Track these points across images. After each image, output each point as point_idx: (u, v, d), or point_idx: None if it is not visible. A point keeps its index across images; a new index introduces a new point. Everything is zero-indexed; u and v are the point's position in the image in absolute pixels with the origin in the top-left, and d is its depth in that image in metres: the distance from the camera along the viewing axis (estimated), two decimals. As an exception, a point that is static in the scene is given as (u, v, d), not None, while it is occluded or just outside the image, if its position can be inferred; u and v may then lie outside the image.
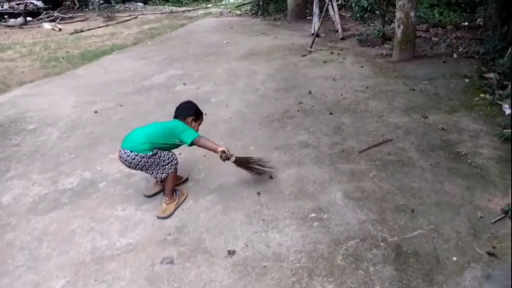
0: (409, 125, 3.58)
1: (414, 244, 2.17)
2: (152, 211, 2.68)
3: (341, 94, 4.53)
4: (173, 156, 2.67)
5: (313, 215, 2.48)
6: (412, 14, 5.51)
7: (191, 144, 2.59)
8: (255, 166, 2.85)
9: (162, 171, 2.61)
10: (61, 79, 6.44)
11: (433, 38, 6.84)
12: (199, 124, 2.84)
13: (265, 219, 2.47)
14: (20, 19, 14.15)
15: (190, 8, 15.38)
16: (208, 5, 15.90)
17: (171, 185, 2.69)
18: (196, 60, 6.79)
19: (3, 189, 3.14)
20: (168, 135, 2.61)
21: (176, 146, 2.71)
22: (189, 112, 2.77)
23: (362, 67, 5.54)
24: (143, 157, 2.52)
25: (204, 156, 3.35)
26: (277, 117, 4.04)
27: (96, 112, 4.70)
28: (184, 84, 5.43)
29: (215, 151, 2.60)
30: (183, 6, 15.95)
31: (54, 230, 2.58)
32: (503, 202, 2.44)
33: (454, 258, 2.06)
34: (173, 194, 2.70)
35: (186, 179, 3.04)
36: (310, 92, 4.68)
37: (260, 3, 11.55)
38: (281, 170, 3.01)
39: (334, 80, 5.10)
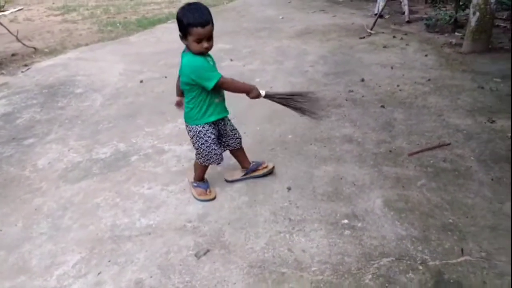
0: (472, 129, 3.14)
1: (459, 272, 1.86)
2: (177, 193, 2.58)
3: (398, 85, 4.11)
4: (206, 147, 2.30)
5: (346, 221, 2.23)
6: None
7: (214, 88, 2.10)
8: (299, 104, 2.33)
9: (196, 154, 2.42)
10: (114, 45, 6.54)
11: (515, 29, 6.03)
12: (197, 40, 2.01)
13: (292, 219, 2.27)
14: (87, -18, 14.59)
15: (251, -20, 14.92)
16: (269, -23, 15.34)
17: (196, 172, 2.51)
18: (247, 35, 6.56)
19: (41, 151, 3.21)
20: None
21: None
22: (180, 28, 2.04)
23: (426, 56, 5.01)
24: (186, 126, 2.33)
25: (244, 132, 3.17)
26: (323, 105, 3.74)
27: (141, 81, 4.69)
28: (231, 60, 5.25)
29: (247, 92, 2.23)
30: (243, -23, 15.52)
31: (79, 200, 2.57)
32: None
33: (506, 297, 1.75)
34: (200, 181, 2.53)
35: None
36: (363, 80, 4.30)
37: (323, -23, 10.90)
38: (317, 166, 2.77)
39: (392, 68, 4.65)
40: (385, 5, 6.82)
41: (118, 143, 3.27)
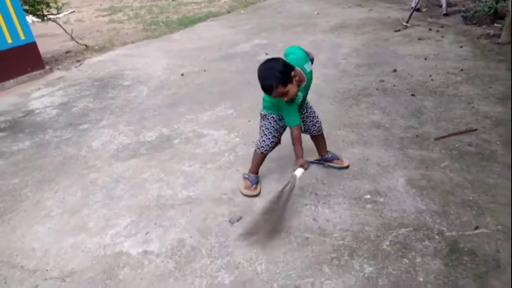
0: (501, 116, 3.17)
1: (474, 242, 1.98)
2: (214, 171, 2.84)
3: (430, 75, 4.16)
4: (270, 137, 2.42)
5: (368, 196, 2.40)
6: (534, -12, 4.73)
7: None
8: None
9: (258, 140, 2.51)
10: (158, 42, 6.96)
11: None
12: (297, 83, 2.13)
13: (318, 194, 2.47)
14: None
15: (288, -23, 15.07)
16: (307, -25, 15.42)
17: (253, 164, 2.57)
18: (283, 30, 6.76)
19: (95, 135, 3.60)
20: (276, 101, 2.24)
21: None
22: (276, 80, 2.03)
23: (461, 47, 4.98)
24: (260, 113, 2.45)
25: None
26: (353, 94, 3.88)
27: (182, 75, 5.03)
28: (266, 54, 5.47)
29: (296, 156, 2.28)
30: (281, -25, 15.70)
31: (129, 175, 2.90)
32: None
33: (519, 266, 1.85)
34: (254, 173, 2.58)
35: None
36: (395, 70, 4.38)
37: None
38: (345, 149, 2.94)
39: (425, 59, 4.69)
40: (422, -2, 6.79)
41: (162, 128, 3.60)
